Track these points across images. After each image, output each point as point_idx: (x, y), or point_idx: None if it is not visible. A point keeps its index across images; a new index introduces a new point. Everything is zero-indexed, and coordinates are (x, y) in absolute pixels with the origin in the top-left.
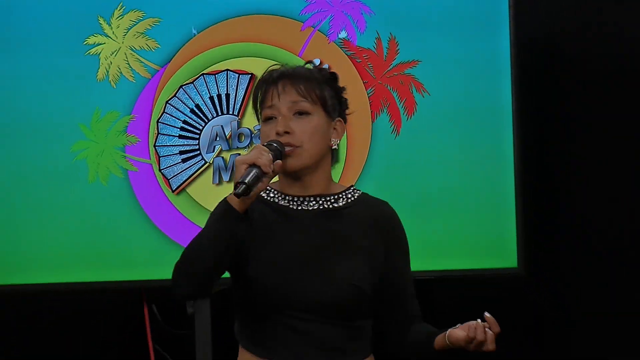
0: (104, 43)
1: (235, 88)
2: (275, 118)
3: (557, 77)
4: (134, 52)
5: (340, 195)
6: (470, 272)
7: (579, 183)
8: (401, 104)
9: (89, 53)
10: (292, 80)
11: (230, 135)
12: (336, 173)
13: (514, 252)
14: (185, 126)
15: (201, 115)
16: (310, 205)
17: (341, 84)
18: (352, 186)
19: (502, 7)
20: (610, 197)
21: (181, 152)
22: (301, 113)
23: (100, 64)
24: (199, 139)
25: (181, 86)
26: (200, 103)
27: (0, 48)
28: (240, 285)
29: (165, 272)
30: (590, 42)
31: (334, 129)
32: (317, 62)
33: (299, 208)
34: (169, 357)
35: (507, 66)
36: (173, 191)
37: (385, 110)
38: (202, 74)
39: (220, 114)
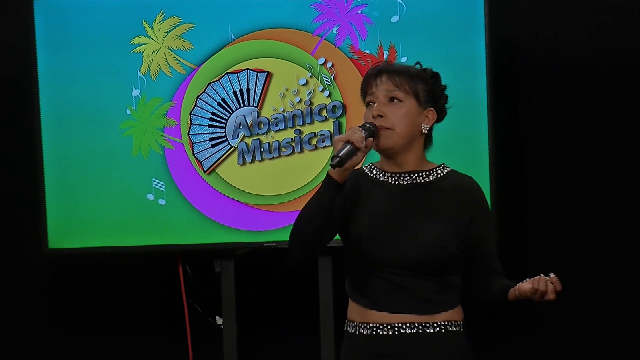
0: (147, 43)
1: (254, 84)
2: (374, 103)
3: (524, 73)
4: (172, 51)
5: (431, 172)
6: None
7: (544, 163)
8: None
9: (134, 51)
10: (389, 73)
11: (251, 124)
12: None
13: None
14: (214, 117)
15: (227, 107)
16: (405, 180)
17: (343, 79)
18: (443, 164)
19: (478, 15)
20: (576, 171)
21: (211, 139)
22: (395, 100)
23: (143, 60)
24: (225, 127)
25: (209, 83)
26: (226, 97)
27: (61, 48)
28: (347, 246)
29: (195, 237)
30: (553, 44)
31: (426, 116)
32: (321, 61)
33: (396, 182)
34: (200, 309)
35: (482, 64)
36: (205, 172)
37: None
38: (227, 73)
39: (242, 105)
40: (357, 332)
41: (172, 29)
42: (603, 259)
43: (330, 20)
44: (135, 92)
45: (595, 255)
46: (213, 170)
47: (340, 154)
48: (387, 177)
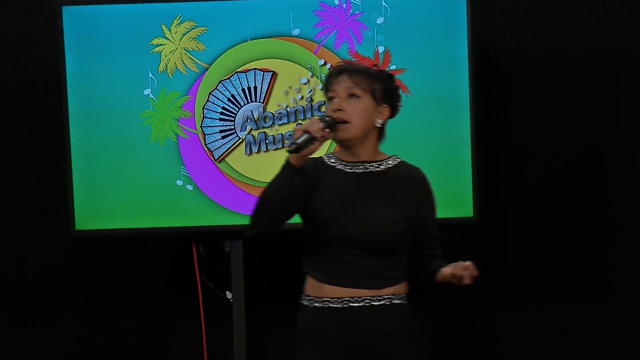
0: (165, 44)
1: (261, 82)
2: (335, 99)
3: (504, 72)
4: (187, 51)
5: (383, 162)
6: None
7: (521, 150)
8: None
9: (153, 51)
10: (349, 72)
11: (258, 118)
12: None
13: (470, 205)
14: (224, 111)
15: (236, 103)
16: (359, 169)
17: None
18: (394, 155)
19: (461, 20)
20: (548, 158)
21: (221, 131)
22: (354, 96)
23: (161, 59)
24: (234, 120)
25: (220, 81)
26: (235, 94)
27: (87, 51)
28: (305, 226)
29: (207, 220)
30: (530, 45)
31: (380, 112)
32: (321, 62)
33: (351, 170)
34: (212, 285)
35: (465, 64)
36: (216, 160)
37: None
38: (236, 72)
39: (250, 101)
40: (311, 305)
41: (188, 32)
42: (577, 244)
43: (330, 26)
44: (147, 91)
45: (571, 241)
46: (223, 159)
47: (298, 142)
48: (343, 166)
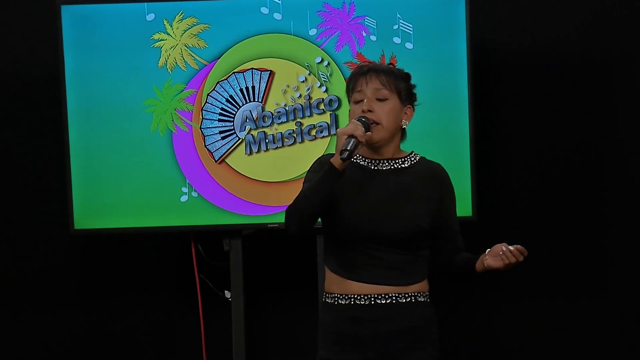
0: (166, 40)
1: (258, 82)
2: (362, 100)
3: (502, 72)
4: (188, 48)
5: (406, 159)
6: None
7: (520, 149)
8: None
9: (154, 46)
10: (376, 73)
11: (257, 117)
12: None
13: (469, 204)
14: (223, 112)
15: (234, 103)
16: (384, 166)
17: (338, 76)
18: (412, 151)
19: (460, 20)
20: (546, 158)
21: (220, 132)
22: (381, 99)
23: (161, 55)
24: (233, 121)
25: (218, 82)
26: (233, 94)
27: (86, 49)
28: (332, 223)
29: (207, 218)
30: (528, 45)
31: (405, 113)
32: (318, 59)
33: (375, 168)
34: (210, 283)
35: (464, 64)
36: (216, 161)
37: None
38: (234, 72)
39: (248, 101)
40: (336, 303)
41: (189, 28)
42: (575, 243)
43: (332, 27)
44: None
45: (570, 240)
46: (223, 160)
47: (348, 148)
48: (368, 163)
